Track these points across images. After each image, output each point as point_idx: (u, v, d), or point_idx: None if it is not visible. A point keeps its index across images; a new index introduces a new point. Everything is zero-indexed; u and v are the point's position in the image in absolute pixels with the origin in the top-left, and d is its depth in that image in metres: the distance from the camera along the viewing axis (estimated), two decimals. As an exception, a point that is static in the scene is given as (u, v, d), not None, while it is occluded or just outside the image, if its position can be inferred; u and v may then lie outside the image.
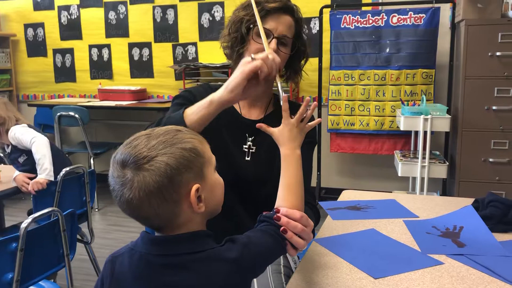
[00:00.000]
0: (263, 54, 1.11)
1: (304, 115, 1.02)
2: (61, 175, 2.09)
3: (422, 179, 3.13)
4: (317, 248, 1.35)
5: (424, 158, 3.12)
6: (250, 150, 1.38)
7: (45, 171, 2.20)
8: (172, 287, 0.76)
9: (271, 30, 1.27)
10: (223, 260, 0.77)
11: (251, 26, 1.29)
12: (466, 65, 3.05)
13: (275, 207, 0.95)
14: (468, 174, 3.13)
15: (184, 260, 0.77)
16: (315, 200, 1.41)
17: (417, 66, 3.50)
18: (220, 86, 1.37)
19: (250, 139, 1.39)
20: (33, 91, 5.21)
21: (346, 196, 1.99)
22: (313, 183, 1.41)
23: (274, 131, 1.01)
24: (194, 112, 1.12)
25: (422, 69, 3.49)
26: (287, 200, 0.95)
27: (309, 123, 1.04)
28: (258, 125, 1.04)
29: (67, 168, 2.12)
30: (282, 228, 0.89)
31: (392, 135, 3.69)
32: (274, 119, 1.38)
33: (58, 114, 4.18)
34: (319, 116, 3.80)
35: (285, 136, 0.99)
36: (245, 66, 1.09)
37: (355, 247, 1.38)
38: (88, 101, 4.57)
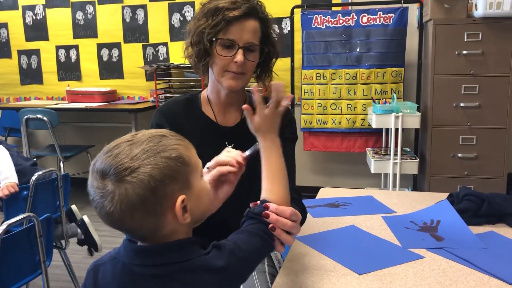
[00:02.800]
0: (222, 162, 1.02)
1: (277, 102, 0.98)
2: (33, 179, 2.02)
3: (395, 175, 3.19)
4: (300, 246, 1.35)
5: (396, 154, 3.18)
6: None
7: (10, 177, 2.14)
8: None
9: (236, 41, 1.21)
10: (210, 269, 0.75)
11: (213, 38, 1.21)
12: (435, 64, 3.13)
13: (262, 198, 0.93)
14: (438, 170, 3.21)
15: (170, 271, 0.74)
16: (301, 196, 1.40)
17: (387, 65, 3.57)
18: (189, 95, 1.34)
19: (230, 146, 1.31)
20: (-2, 93, 5.05)
21: (324, 193, 2.01)
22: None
23: (254, 120, 0.96)
24: None
25: (391, 68, 3.56)
26: (273, 191, 0.92)
27: (284, 103, 0.98)
28: (244, 107, 0.98)
29: (40, 172, 2.07)
30: (270, 225, 0.87)
31: (363, 133, 3.75)
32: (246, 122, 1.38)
33: (26, 117, 4.06)
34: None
35: (263, 128, 0.95)
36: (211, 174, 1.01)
37: (337, 244, 1.40)
38: (56, 103, 4.46)
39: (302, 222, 1.26)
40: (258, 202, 0.92)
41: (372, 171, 3.31)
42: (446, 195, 1.73)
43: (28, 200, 1.99)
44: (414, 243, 1.40)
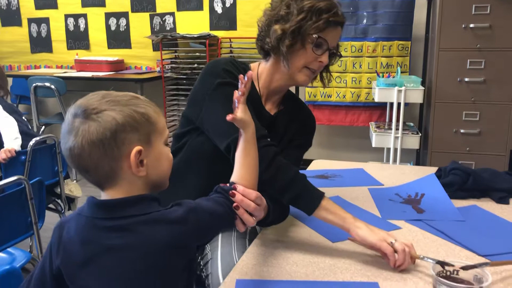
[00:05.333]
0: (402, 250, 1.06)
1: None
2: (31, 144, 2.08)
3: (396, 149, 3.19)
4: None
5: (397, 129, 3.16)
6: None
7: (14, 140, 2.19)
8: (117, 249, 0.77)
9: (328, 42, 1.24)
10: (167, 222, 0.78)
11: (314, 35, 1.22)
12: (440, 37, 3.07)
13: (232, 181, 0.96)
14: (440, 145, 3.19)
15: (129, 223, 0.78)
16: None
17: (393, 38, 3.51)
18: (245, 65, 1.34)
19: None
20: (9, 61, 5.11)
21: (316, 165, 2.03)
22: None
23: (242, 117, 0.95)
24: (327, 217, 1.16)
25: (398, 41, 3.50)
26: (244, 178, 0.96)
27: (243, 87, 0.96)
28: (228, 117, 0.94)
29: (37, 138, 2.11)
30: (234, 204, 0.91)
31: (368, 107, 3.73)
32: (284, 116, 1.39)
33: (34, 84, 4.11)
34: (297, 88, 3.81)
35: (247, 119, 0.96)
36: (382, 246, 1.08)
37: (317, 213, 1.42)
38: (64, 72, 4.50)
39: (282, 219, 1.29)
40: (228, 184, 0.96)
41: (373, 145, 3.30)
42: (436, 169, 1.73)
43: (26, 165, 2.05)
44: (394, 214, 1.42)
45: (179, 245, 0.79)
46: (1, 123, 2.26)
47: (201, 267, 1.26)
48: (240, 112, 0.95)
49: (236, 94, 0.96)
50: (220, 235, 1.31)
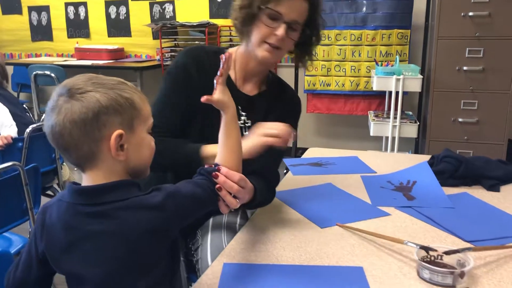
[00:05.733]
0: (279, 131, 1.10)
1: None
2: (28, 131, 2.09)
3: (394, 138, 3.19)
4: (273, 200, 1.38)
5: (395, 118, 3.17)
6: (246, 125, 1.36)
7: (10, 127, 2.21)
8: (98, 235, 0.78)
9: (283, 15, 1.21)
10: (146, 207, 0.79)
11: (263, 6, 1.21)
12: (439, 25, 3.05)
13: (215, 162, 0.97)
14: (438, 134, 3.19)
15: (108, 209, 0.78)
16: (278, 182, 1.44)
17: (392, 27, 3.50)
18: (217, 49, 1.34)
19: (243, 113, 1.34)
20: (10, 49, 5.12)
21: (311, 153, 2.04)
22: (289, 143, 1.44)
23: (219, 99, 0.97)
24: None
25: (397, 30, 3.49)
26: (227, 161, 0.96)
27: (221, 69, 0.98)
28: (203, 99, 0.96)
29: (34, 125, 2.13)
30: (217, 186, 0.91)
31: (367, 96, 3.73)
32: (265, 98, 1.38)
33: (34, 73, 4.13)
34: (296, 77, 3.81)
35: (226, 100, 0.98)
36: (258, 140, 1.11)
37: (307, 200, 1.44)
38: (64, 60, 4.51)
39: (269, 201, 1.30)
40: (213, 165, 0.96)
41: (371, 134, 3.31)
42: (429, 157, 1.74)
43: (23, 152, 2.07)
44: (384, 201, 1.43)
45: (159, 230, 0.80)
46: None
47: (192, 252, 1.28)
48: (218, 93, 0.96)
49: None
50: (210, 221, 1.33)
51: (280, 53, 1.29)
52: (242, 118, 1.34)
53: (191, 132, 1.29)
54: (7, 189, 1.54)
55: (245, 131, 1.33)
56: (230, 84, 1.29)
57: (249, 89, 1.37)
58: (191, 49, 1.35)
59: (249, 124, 1.34)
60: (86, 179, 0.82)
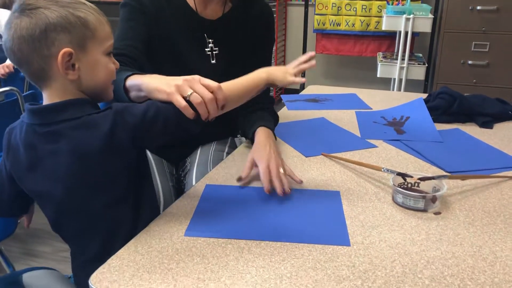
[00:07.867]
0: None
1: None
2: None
3: (401, 80, 3.15)
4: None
5: (403, 59, 3.11)
6: (214, 52, 1.30)
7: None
8: (55, 153, 0.81)
9: None
10: (96, 125, 0.80)
11: None
12: (455, -38, 2.93)
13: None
14: (446, 77, 3.14)
15: (61, 128, 0.79)
16: (273, 104, 1.42)
17: (407, -37, 3.37)
18: None
19: (210, 40, 1.29)
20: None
21: (310, 90, 2.03)
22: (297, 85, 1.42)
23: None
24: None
25: (412, -33, 3.36)
26: (229, 88, 0.90)
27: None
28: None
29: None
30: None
31: (377, 37, 3.64)
32: (231, 19, 1.31)
33: None
34: (306, 16, 3.72)
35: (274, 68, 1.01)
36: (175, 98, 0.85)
37: (298, 133, 1.45)
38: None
39: (274, 124, 1.33)
40: None
41: (378, 75, 3.26)
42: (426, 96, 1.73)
43: (25, 81, 2.09)
44: (373, 134, 1.44)
45: (111, 147, 0.80)
46: None
47: (182, 178, 1.32)
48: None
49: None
50: (199, 148, 1.36)
51: None
52: (210, 45, 1.30)
53: (164, 61, 1.26)
54: (4, 115, 1.57)
55: (213, 59, 1.31)
56: (189, 11, 1.27)
57: (212, 12, 1.29)
58: None
59: (216, 52, 1.31)
60: (44, 98, 0.84)
